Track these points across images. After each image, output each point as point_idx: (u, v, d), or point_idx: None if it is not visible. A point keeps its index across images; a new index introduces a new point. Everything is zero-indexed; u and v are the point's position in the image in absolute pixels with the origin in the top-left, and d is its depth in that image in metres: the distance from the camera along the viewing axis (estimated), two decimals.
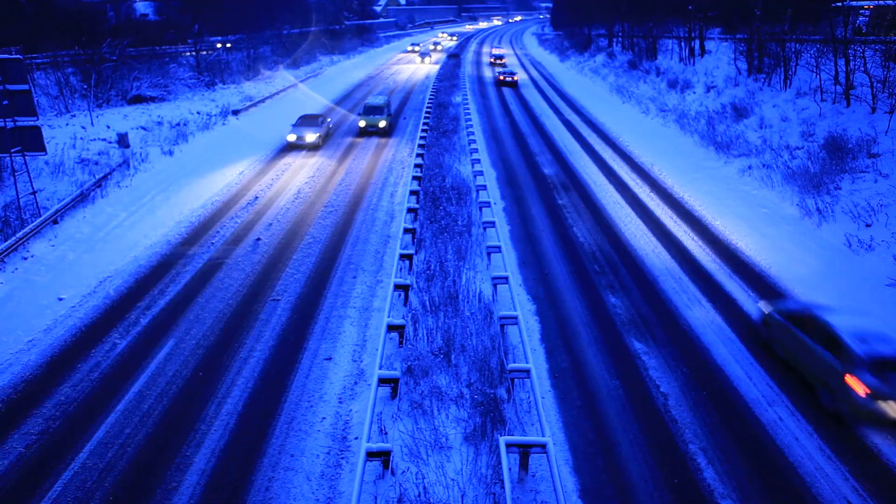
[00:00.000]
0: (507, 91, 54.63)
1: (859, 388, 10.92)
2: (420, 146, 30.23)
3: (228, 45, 58.28)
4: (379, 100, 37.07)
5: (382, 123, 34.74)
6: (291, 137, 31.33)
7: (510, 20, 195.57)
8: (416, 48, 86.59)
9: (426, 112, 39.34)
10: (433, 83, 54.14)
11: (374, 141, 33.81)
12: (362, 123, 34.81)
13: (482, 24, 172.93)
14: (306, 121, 32.79)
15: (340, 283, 17.10)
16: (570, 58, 76.74)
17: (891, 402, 10.78)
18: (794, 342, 12.79)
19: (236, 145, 31.84)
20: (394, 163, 29.39)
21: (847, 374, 11.17)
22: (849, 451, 10.97)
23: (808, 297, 16.00)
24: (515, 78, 57.28)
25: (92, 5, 58.60)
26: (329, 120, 35.54)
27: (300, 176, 27.05)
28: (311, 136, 31.31)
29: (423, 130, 33.87)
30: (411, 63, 74.05)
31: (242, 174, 27.09)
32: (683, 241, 20.18)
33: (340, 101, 47.80)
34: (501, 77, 57.44)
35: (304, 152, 31.07)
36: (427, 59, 76.36)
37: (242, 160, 29.13)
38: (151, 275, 17.25)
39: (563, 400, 12.34)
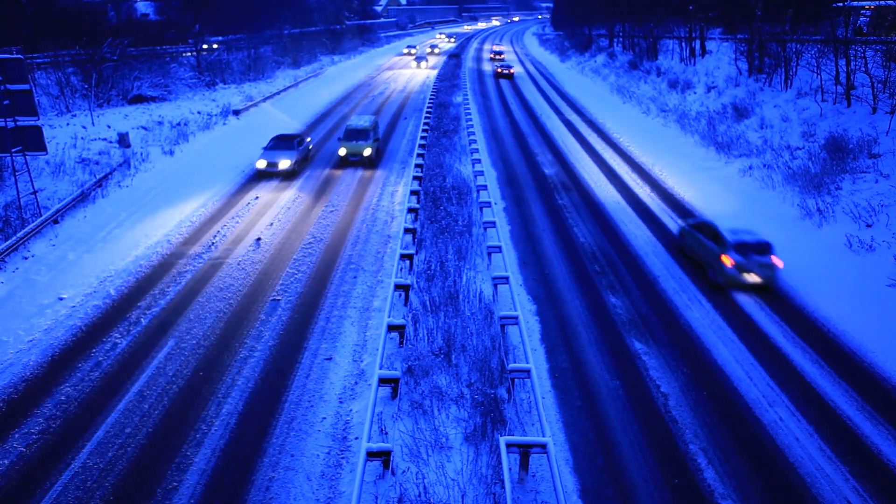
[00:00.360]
0: (507, 91, 54.71)
1: (728, 262, 16.44)
2: (420, 146, 30.22)
3: (215, 45, 58.03)
4: (364, 121, 30.27)
5: (367, 152, 28.59)
6: (261, 164, 26.48)
7: (508, 20, 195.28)
8: (413, 51, 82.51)
9: (427, 112, 39.36)
10: (433, 83, 54.20)
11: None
12: (342, 151, 28.77)
13: (481, 25, 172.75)
14: (280, 143, 27.77)
15: (341, 283, 17.13)
16: (570, 58, 76.79)
17: (751, 274, 16.35)
18: (695, 241, 18.37)
19: (237, 145, 31.81)
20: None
21: (722, 255, 16.64)
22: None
23: (808, 296, 16.23)
24: (511, 71, 63.70)
25: (92, 5, 58.63)
26: (309, 140, 30.44)
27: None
28: (284, 163, 26.45)
29: (423, 131, 33.83)
30: (409, 66, 73.74)
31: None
32: None
33: (339, 102, 47.82)
34: (500, 70, 63.74)
35: (276, 181, 26.11)
36: (424, 64, 69.96)
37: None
38: (152, 274, 17.26)
39: (564, 400, 12.35)
